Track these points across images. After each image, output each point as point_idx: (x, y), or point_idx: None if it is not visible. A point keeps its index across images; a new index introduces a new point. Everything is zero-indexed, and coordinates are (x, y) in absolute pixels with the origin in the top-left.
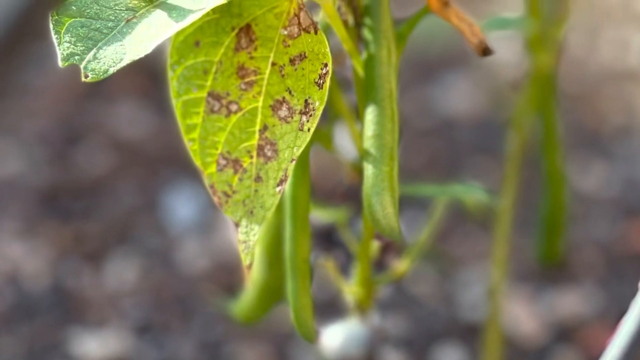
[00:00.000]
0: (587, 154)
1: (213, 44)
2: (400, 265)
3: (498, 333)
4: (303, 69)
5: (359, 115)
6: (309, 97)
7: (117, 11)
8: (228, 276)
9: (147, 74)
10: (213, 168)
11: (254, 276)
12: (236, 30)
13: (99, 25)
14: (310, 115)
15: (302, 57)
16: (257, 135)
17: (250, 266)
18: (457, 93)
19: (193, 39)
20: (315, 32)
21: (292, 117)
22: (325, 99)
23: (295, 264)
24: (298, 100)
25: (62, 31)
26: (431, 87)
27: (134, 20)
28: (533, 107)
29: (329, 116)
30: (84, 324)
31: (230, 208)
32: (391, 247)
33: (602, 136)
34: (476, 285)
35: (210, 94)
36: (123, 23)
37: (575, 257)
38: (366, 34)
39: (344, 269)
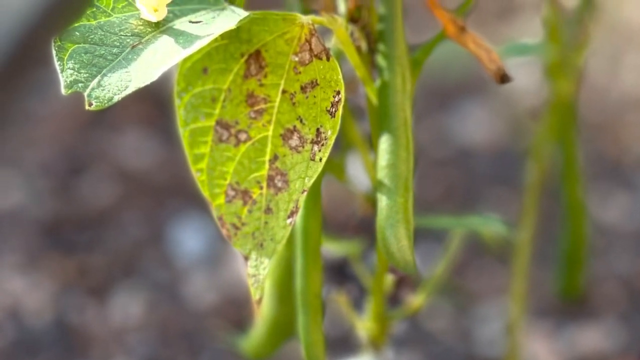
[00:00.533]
0: (608, 185)
1: (221, 70)
2: (415, 300)
3: None
4: (315, 96)
5: (372, 145)
6: (321, 126)
7: (122, 37)
8: (237, 311)
9: (153, 102)
10: (221, 199)
11: (263, 311)
12: (245, 57)
13: (103, 52)
14: (322, 145)
15: (313, 84)
16: (267, 166)
17: (259, 301)
18: (475, 121)
19: (201, 66)
20: (328, 59)
21: (303, 147)
22: (338, 127)
23: (306, 298)
24: (309, 129)
25: (65, 57)
26: (447, 115)
27: (140, 46)
28: (553, 136)
29: (342, 145)
30: None
31: (240, 240)
32: (406, 281)
33: (624, 166)
34: (494, 321)
35: (218, 123)
36: (128, 49)
37: (596, 292)
38: (380, 60)
39: (357, 304)
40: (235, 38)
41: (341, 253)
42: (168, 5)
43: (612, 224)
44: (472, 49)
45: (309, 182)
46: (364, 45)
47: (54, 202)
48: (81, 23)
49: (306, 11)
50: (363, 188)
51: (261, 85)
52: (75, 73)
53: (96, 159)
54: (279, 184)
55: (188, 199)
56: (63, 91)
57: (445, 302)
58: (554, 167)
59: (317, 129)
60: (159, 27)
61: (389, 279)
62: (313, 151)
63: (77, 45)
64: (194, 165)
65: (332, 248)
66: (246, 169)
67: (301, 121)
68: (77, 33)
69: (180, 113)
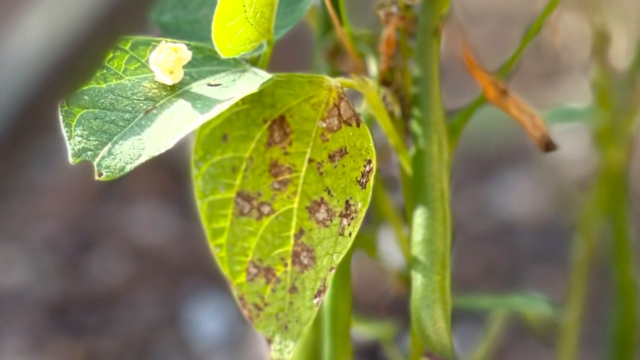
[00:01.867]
0: None
1: (243, 138)
2: None
3: None
4: (344, 166)
5: (406, 218)
6: (351, 198)
7: (135, 101)
8: None
9: (169, 171)
10: (243, 277)
11: None
12: (268, 123)
13: (114, 117)
14: (352, 218)
15: (342, 152)
16: (292, 241)
17: None
18: (517, 193)
19: (220, 133)
20: (358, 125)
21: (331, 220)
22: (369, 199)
23: None
24: (338, 202)
25: (73, 124)
26: (488, 186)
27: (154, 111)
28: (602, 209)
29: (373, 219)
30: None
31: (262, 322)
32: None
33: None
34: None
35: (239, 195)
36: (141, 114)
37: None
38: (415, 126)
39: None
40: (258, 102)
41: (372, 336)
42: (185, 67)
43: None
44: (515, 114)
45: (338, 259)
46: (397, 110)
47: (60, 281)
48: (90, 86)
49: (334, 73)
50: (396, 265)
51: (286, 153)
52: (84, 140)
53: (106, 233)
54: (305, 261)
55: (206, 277)
56: (71, 160)
57: None
58: (604, 243)
59: (347, 201)
60: (175, 90)
61: None
62: (342, 225)
63: (85, 110)
64: (213, 240)
65: (363, 330)
66: (269, 245)
67: (329, 193)
68: (85, 97)
69: (197, 184)
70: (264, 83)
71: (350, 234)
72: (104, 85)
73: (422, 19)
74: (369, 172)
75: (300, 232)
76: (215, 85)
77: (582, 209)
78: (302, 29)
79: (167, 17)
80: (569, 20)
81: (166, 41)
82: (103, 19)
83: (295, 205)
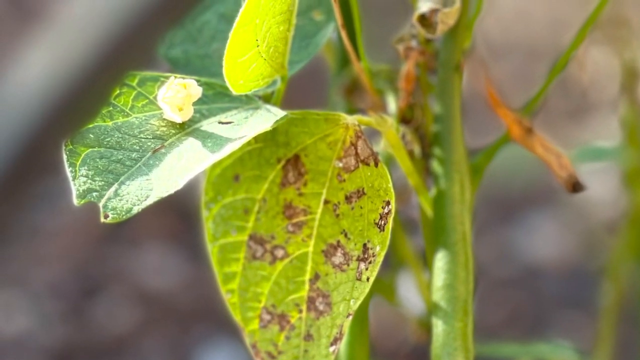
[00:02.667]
0: None
1: (255, 178)
2: None
3: None
4: (361, 207)
5: (426, 262)
6: (368, 241)
7: (143, 140)
8: None
9: (178, 213)
10: (255, 324)
11: None
12: (282, 162)
13: (121, 157)
14: (370, 262)
15: (360, 193)
16: (307, 286)
17: None
18: (543, 236)
19: (232, 173)
20: (376, 165)
21: (348, 265)
22: (388, 242)
23: None
24: (355, 245)
25: (78, 163)
26: (512, 229)
27: (162, 150)
28: (632, 253)
29: (392, 263)
30: None
31: None
32: None
33: None
34: None
35: (252, 237)
36: (149, 154)
37: None
38: (435, 166)
39: None
40: (271, 141)
41: None
42: (194, 103)
43: None
44: (540, 153)
45: (355, 305)
46: (417, 149)
47: (64, 328)
48: (96, 124)
49: (351, 110)
50: (416, 311)
51: (300, 194)
52: (89, 181)
53: (113, 278)
54: (321, 307)
55: (217, 323)
56: (75, 201)
57: None
58: (633, 288)
59: (364, 245)
60: (184, 128)
61: None
62: (359, 269)
63: (91, 149)
64: (224, 285)
65: None
66: (283, 290)
67: (346, 235)
68: (91, 135)
69: (208, 226)
70: (277, 121)
71: (368, 279)
72: (110, 123)
73: (444, 53)
74: (387, 214)
75: (315, 277)
76: (227, 123)
77: (611, 252)
78: (318, 63)
79: (176, 51)
80: (597, 55)
81: (175, 77)
82: (109, 53)
83: (311, 248)
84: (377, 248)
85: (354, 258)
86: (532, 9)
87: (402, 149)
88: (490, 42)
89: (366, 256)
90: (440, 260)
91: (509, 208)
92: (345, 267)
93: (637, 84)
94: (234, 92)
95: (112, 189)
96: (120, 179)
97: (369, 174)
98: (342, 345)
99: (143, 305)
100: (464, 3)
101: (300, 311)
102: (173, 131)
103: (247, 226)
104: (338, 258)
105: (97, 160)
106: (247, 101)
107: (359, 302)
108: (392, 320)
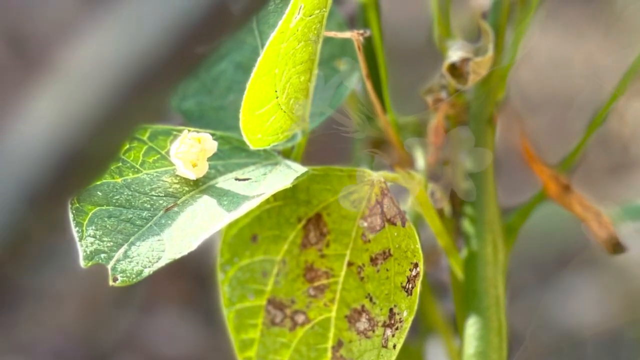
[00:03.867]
0: None
1: (274, 238)
2: None
3: None
4: (387, 270)
5: (457, 329)
6: (395, 306)
7: (154, 198)
8: None
9: (191, 276)
10: None
11: None
12: (303, 222)
13: (130, 216)
14: (397, 329)
15: (386, 255)
16: (329, 354)
17: None
18: (582, 300)
19: (249, 233)
20: (403, 224)
21: (373, 331)
22: (416, 307)
23: None
24: (381, 310)
25: (85, 223)
26: (549, 292)
27: (175, 209)
28: None
29: (420, 329)
30: None
31: None
32: None
33: None
34: None
35: (270, 302)
36: (161, 212)
37: None
38: (466, 226)
39: None
40: (291, 199)
41: None
42: (209, 159)
43: None
44: (578, 212)
45: None
46: (447, 207)
47: None
48: (104, 181)
49: (377, 166)
50: None
51: (322, 256)
52: (97, 241)
53: (123, 346)
54: None
55: None
56: (82, 263)
57: None
58: None
59: (391, 310)
60: (199, 185)
61: None
62: (385, 336)
63: (99, 208)
64: (242, 353)
65: None
66: (304, 358)
67: (371, 300)
68: (99, 193)
69: (224, 290)
70: (298, 177)
71: (394, 346)
72: (119, 180)
73: (475, 105)
74: (415, 276)
75: (338, 344)
76: (244, 179)
77: None
78: (341, 115)
79: (190, 103)
80: (638, 107)
81: (189, 130)
82: (118, 105)
83: (333, 314)
84: (405, 313)
85: (380, 324)
86: (570, 57)
87: (431, 207)
88: (525, 93)
89: (393, 322)
90: (471, 327)
91: (546, 270)
92: (370, 333)
93: None
94: (252, 146)
95: (122, 250)
96: (130, 240)
97: (395, 234)
98: None
99: None
100: (497, 51)
101: None
102: (186, 188)
103: (265, 290)
104: (363, 324)
105: (106, 219)
106: (265, 156)
107: None
108: None
